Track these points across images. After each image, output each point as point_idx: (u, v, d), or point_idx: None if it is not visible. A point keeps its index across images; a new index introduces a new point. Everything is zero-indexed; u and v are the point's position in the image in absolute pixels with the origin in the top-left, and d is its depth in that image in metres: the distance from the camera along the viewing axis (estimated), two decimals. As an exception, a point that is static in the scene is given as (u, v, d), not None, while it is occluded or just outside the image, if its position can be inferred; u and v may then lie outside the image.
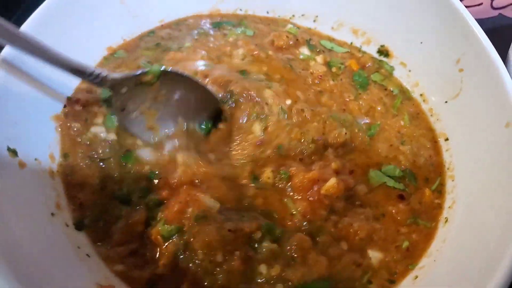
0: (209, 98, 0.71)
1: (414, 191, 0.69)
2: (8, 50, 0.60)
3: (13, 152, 0.56)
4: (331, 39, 0.89)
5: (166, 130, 0.69)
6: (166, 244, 0.58)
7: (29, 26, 0.65)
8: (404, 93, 0.81)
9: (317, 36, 0.89)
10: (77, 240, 0.58)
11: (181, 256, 0.57)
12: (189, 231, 0.58)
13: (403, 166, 0.71)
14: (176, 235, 0.58)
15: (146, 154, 0.67)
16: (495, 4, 0.96)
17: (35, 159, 0.60)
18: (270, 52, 0.82)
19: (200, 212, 0.59)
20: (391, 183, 0.69)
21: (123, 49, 0.81)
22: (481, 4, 0.96)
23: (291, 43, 0.84)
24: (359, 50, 0.87)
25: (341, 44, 0.88)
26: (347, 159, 0.70)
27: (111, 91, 0.66)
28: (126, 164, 0.66)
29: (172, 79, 0.68)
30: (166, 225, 0.58)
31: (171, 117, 0.70)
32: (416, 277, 0.59)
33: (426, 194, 0.69)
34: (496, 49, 0.68)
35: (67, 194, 0.62)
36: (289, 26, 0.89)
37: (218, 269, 0.56)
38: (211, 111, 0.71)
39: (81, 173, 0.64)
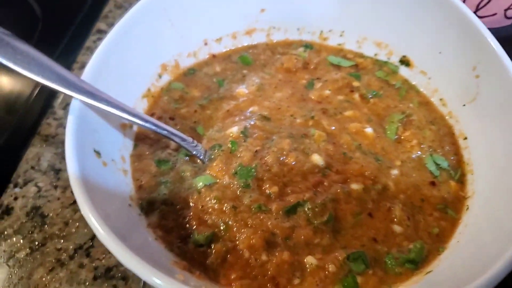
0: None
1: (443, 181, 0.78)
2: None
3: (98, 153, 0.68)
4: (338, 51, 0.99)
5: None
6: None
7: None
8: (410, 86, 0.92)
9: (326, 52, 0.99)
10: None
11: None
12: None
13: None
14: None
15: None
16: (508, 14, 1.03)
17: (112, 160, 0.71)
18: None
19: None
20: (432, 167, 0.78)
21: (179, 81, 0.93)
22: (495, 14, 1.03)
23: (299, 66, 0.94)
24: (362, 56, 0.97)
25: (348, 57, 0.98)
26: None
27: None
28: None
29: None
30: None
31: None
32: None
33: (451, 185, 0.77)
34: (509, 56, 0.75)
35: (136, 189, 0.74)
36: (300, 49, 0.99)
37: None
38: None
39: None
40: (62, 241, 0.81)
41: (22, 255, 0.80)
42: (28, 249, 0.80)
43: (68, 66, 1.18)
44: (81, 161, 0.59)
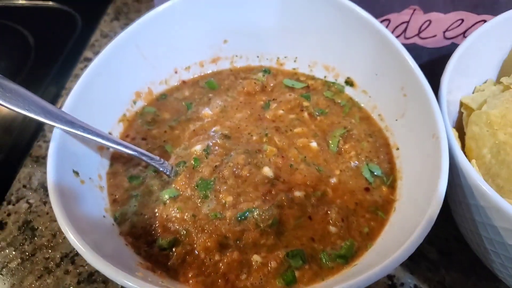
0: None
1: (376, 187, 0.90)
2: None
3: (76, 173, 0.80)
4: (293, 75, 1.13)
5: None
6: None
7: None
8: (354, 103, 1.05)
9: (282, 75, 1.12)
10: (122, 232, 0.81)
11: None
12: None
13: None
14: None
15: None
16: (447, 35, 1.15)
17: (90, 178, 0.84)
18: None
19: None
20: (367, 175, 0.90)
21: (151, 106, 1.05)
22: (435, 35, 1.15)
23: (258, 89, 1.08)
24: (313, 78, 1.11)
25: (301, 80, 1.12)
26: None
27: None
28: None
29: None
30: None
31: None
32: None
33: (383, 190, 0.89)
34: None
35: (110, 203, 0.86)
36: (259, 74, 1.12)
37: None
38: None
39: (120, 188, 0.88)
40: (50, 251, 0.93)
41: (14, 265, 0.91)
42: (19, 259, 0.92)
43: (58, 92, 1.30)
44: (60, 181, 0.71)
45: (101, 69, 0.93)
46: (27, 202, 1.02)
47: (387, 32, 0.95)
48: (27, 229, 0.97)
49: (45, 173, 1.06)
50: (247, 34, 1.11)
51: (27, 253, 0.93)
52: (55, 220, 0.97)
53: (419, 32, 1.13)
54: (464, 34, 1.13)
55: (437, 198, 0.69)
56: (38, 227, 0.97)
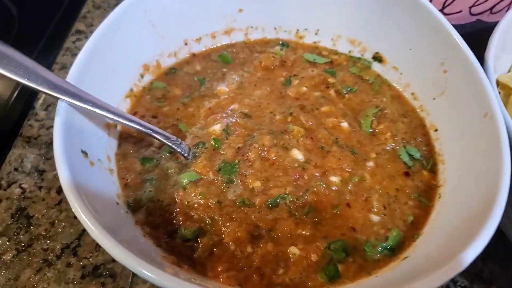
0: None
1: (416, 171, 0.82)
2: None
3: (85, 154, 0.69)
4: (314, 49, 1.03)
5: None
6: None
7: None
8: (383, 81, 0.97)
9: (302, 49, 1.02)
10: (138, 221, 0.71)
11: None
12: None
13: None
14: None
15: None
16: (473, 11, 1.08)
17: (99, 160, 0.73)
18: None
19: None
20: (406, 158, 0.82)
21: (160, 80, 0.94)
22: (460, 11, 1.08)
23: (277, 64, 0.98)
24: (337, 53, 1.02)
25: (323, 54, 1.02)
26: None
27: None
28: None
29: None
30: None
31: None
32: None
33: (424, 175, 0.82)
34: (475, 50, 0.80)
35: (122, 187, 0.76)
36: (277, 47, 1.02)
37: None
38: None
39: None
40: (48, 241, 0.82)
41: (9, 257, 0.80)
42: (14, 251, 0.81)
43: (48, 67, 1.17)
44: (70, 161, 0.60)
45: (106, 37, 0.82)
46: (20, 187, 0.90)
47: (424, 1, 0.86)
48: (22, 217, 0.85)
49: (38, 154, 0.95)
50: (264, 2, 1.01)
51: (23, 244, 0.82)
52: (52, 207, 0.87)
53: (443, 7, 1.06)
54: (491, 10, 1.06)
55: (503, 182, 0.62)
56: (34, 215, 0.86)
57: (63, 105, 0.67)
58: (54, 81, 0.67)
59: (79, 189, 0.57)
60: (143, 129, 0.75)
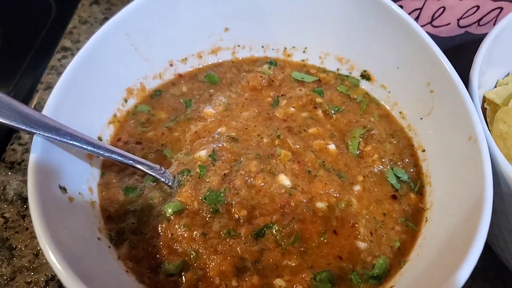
0: None
1: (403, 194, 0.81)
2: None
3: (64, 189, 0.67)
4: (302, 67, 1.01)
5: None
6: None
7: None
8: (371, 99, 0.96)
9: (290, 68, 1.01)
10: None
11: None
12: None
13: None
14: None
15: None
16: (461, 23, 1.07)
17: (79, 193, 0.71)
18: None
19: None
20: (393, 180, 0.81)
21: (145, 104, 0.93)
22: (449, 24, 1.07)
23: (265, 83, 0.97)
24: (325, 71, 1.01)
25: (311, 72, 1.01)
26: None
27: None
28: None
29: None
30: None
31: None
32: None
33: (412, 197, 0.80)
34: (463, 63, 0.80)
35: (104, 220, 0.74)
36: (265, 66, 1.01)
37: None
38: None
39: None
40: (32, 273, 0.81)
41: (-9, 291, 0.79)
42: (-4, 284, 0.80)
43: (33, 86, 1.16)
44: (45, 202, 0.59)
45: (87, 62, 0.80)
46: (2, 216, 0.88)
47: (411, 20, 0.85)
48: (4, 248, 0.84)
49: (21, 181, 0.93)
50: (250, 21, 0.99)
51: (5, 277, 0.80)
52: (36, 237, 0.85)
53: (432, 20, 1.05)
54: (479, 23, 1.06)
55: (485, 209, 0.61)
56: (16, 246, 0.84)
57: (39, 140, 0.65)
58: (28, 115, 0.65)
59: (54, 232, 0.56)
60: (125, 160, 0.74)
